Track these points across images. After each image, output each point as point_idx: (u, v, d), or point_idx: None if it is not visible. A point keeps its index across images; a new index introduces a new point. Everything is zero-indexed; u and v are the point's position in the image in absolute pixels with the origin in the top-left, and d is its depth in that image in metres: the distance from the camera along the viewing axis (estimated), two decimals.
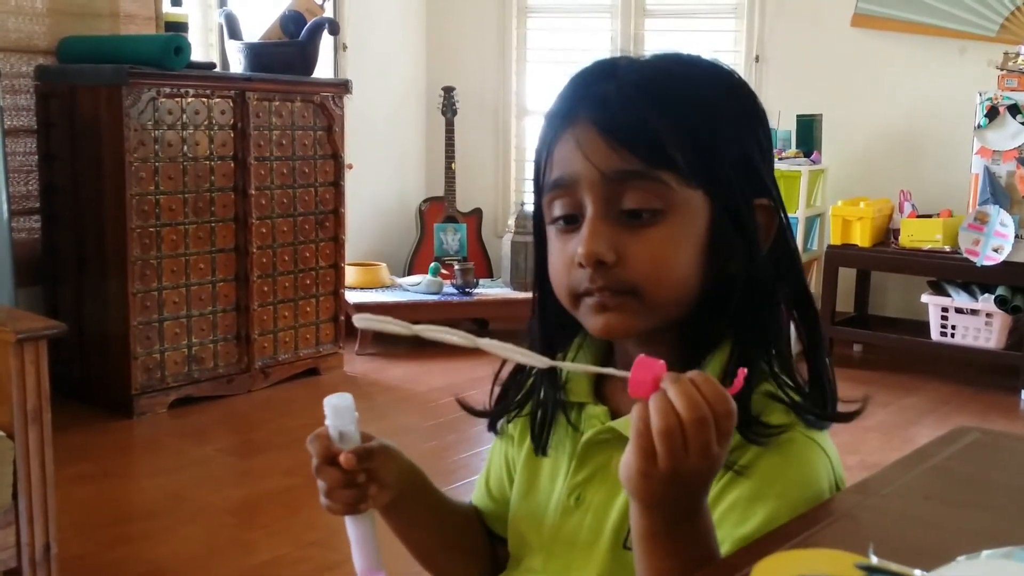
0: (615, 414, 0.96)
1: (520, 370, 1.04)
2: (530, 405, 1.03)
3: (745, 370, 0.80)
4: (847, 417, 0.94)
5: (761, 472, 0.87)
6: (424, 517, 1.07)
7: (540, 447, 1.02)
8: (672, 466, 0.75)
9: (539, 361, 0.85)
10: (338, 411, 0.94)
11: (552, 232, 0.94)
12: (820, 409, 0.92)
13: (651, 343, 0.91)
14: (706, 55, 0.97)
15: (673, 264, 0.89)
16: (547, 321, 1.00)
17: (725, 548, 0.85)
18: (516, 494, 1.05)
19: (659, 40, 5.21)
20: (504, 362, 1.02)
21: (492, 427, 1.07)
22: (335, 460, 0.94)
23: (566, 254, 0.91)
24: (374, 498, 0.96)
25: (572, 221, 0.91)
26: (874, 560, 0.66)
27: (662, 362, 0.77)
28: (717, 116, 0.90)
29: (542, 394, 1.01)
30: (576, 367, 0.93)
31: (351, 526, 0.97)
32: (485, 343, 0.83)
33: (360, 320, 0.88)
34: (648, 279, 0.89)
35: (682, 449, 0.74)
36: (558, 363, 0.89)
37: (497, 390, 1.06)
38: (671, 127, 0.88)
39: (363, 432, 0.97)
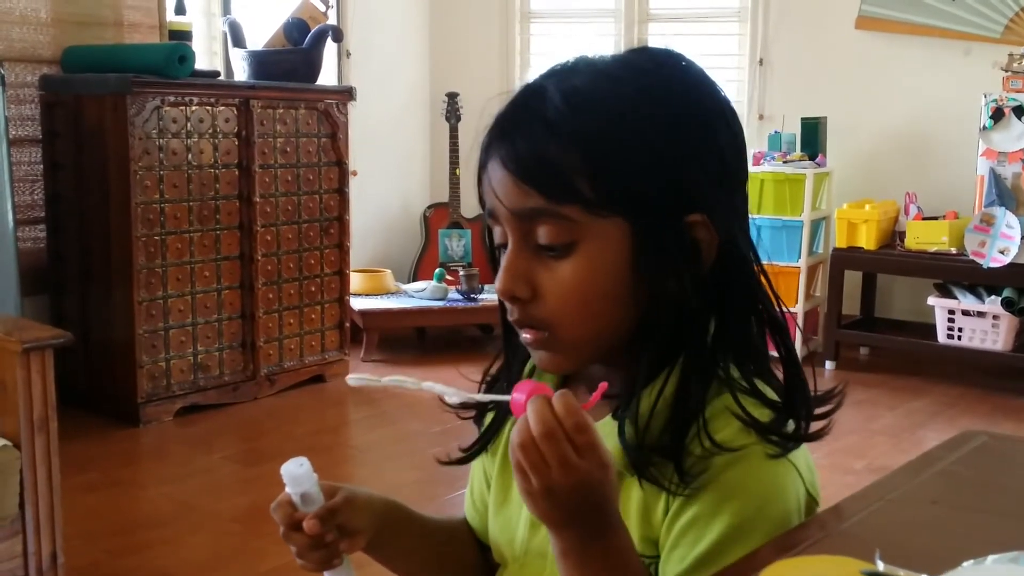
0: None
1: (504, 368, 1.04)
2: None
3: (605, 384, 0.82)
4: (812, 438, 0.90)
5: (720, 487, 0.85)
6: (406, 547, 1.07)
7: (482, 446, 1.05)
8: (541, 481, 0.78)
9: (454, 396, 0.89)
10: (295, 478, 0.95)
11: (500, 256, 0.94)
12: (786, 430, 0.88)
13: (608, 365, 0.93)
14: (675, 52, 0.93)
15: (585, 297, 0.88)
16: (509, 335, 0.99)
17: (684, 566, 0.85)
18: (491, 507, 1.06)
19: (663, 45, 5.20)
20: (496, 355, 1.04)
21: (478, 420, 1.06)
22: (301, 525, 0.95)
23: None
24: (347, 549, 0.98)
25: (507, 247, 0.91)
26: (881, 566, 0.65)
27: (540, 384, 0.81)
28: (635, 138, 0.86)
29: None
30: (486, 397, 0.93)
31: None
32: (427, 385, 0.89)
33: (353, 379, 0.92)
34: (559, 316, 0.88)
35: (541, 462, 0.78)
36: (470, 396, 0.91)
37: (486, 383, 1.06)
38: (575, 159, 0.85)
39: (330, 484, 0.99)
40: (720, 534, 0.84)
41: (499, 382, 1.04)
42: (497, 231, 0.92)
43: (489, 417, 1.06)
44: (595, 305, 0.88)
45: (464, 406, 1.04)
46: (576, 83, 0.89)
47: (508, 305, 0.91)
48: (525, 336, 0.91)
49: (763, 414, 0.88)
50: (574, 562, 0.82)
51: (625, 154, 0.86)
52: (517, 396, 0.81)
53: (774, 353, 0.94)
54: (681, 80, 0.91)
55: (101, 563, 2.66)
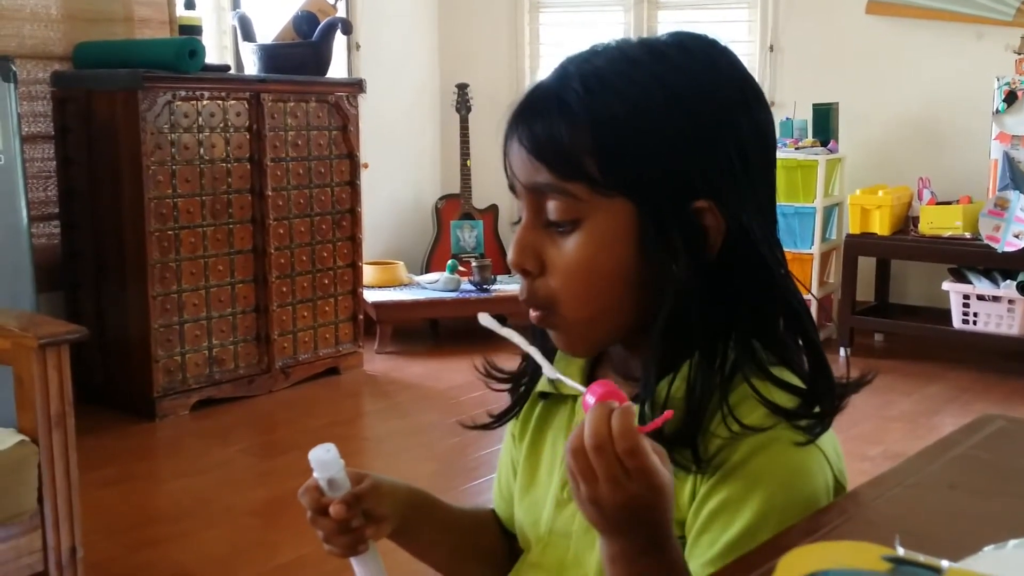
0: None
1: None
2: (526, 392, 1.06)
3: (670, 413, 0.81)
4: (828, 416, 0.91)
5: (749, 473, 0.86)
6: (432, 536, 1.09)
7: (504, 419, 1.06)
8: (589, 491, 0.78)
9: (547, 369, 0.90)
10: (323, 463, 0.97)
11: None
12: (811, 413, 0.88)
13: (630, 345, 0.95)
14: (710, 38, 0.93)
15: (589, 273, 0.89)
16: None
17: (714, 551, 0.85)
18: (517, 491, 1.07)
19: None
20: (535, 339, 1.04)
21: (514, 391, 1.07)
22: (327, 510, 0.96)
23: None
24: (373, 536, 0.99)
25: None
26: (901, 552, 0.65)
27: (615, 389, 0.80)
28: (646, 121, 0.87)
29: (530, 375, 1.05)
30: (568, 381, 0.90)
31: (356, 565, 1.01)
32: (532, 350, 0.92)
33: (484, 318, 0.95)
34: (562, 292, 0.90)
35: (590, 472, 0.78)
36: (560, 376, 0.90)
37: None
38: (584, 138, 0.87)
39: (356, 471, 1.00)
40: (749, 520, 0.85)
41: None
42: (518, 205, 0.95)
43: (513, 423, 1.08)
44: (597, 283, 0.90)
45: (499, 385, 1.05)
46: (597, 64, 0.91)
47: (520, 284, 0.93)
48: (532, 315, 0.93)
49: (788, 401, 0.88)
50: (621, 570, 0.82)
51: (633, 136, 0.88)
52: (589, 397, 0.80)
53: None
54: (705, 66, 0.91)
55: (119, 557, 2.68)
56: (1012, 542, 0.71)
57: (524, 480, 1.06)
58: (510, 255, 0.92)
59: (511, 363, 1.07)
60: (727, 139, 0.90)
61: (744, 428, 0.86)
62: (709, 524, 0.87)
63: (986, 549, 0.70)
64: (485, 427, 1.08)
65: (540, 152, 0.89)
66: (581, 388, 0.83)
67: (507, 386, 1.06)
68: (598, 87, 0.88)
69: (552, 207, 0.89)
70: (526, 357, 1.01)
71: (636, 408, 0.79)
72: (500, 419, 1.07)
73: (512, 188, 0.94)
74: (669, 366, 0.90)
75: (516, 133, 0.92)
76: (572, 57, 0.93)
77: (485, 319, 0.94)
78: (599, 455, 0.77)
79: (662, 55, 0.91)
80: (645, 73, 0.89)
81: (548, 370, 0.90)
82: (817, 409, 0.89)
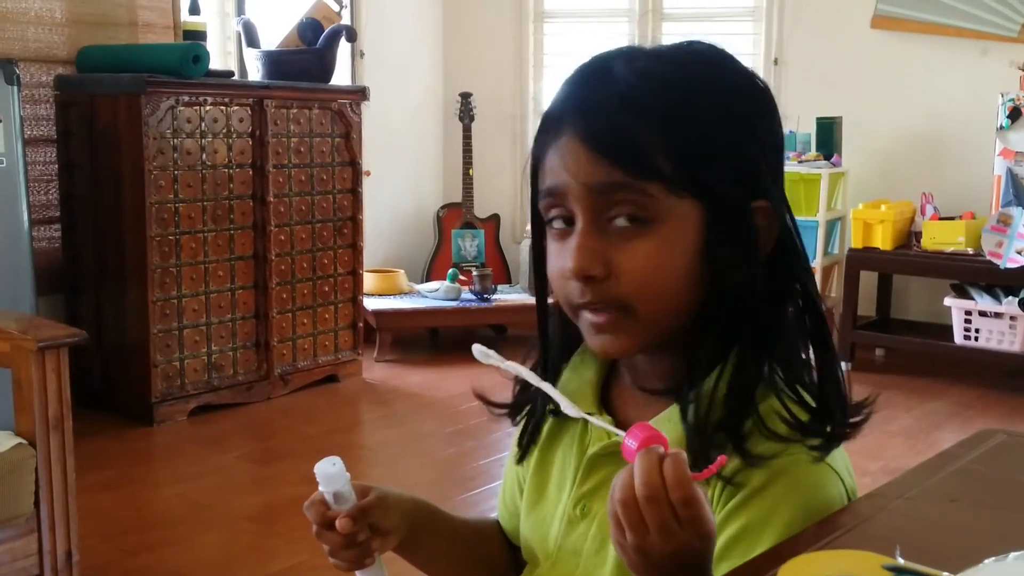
0: (622, 424, 0.95)
1: (541, 358, 1.03)
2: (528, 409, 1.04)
3: (723, 459, 0.78)
4: (846, 436, 0.90)
5: (769, 499, 0.85)
6: (436, 548, 1.08)
7: (522, 453, 1.04)
8: (637, 540, 0.75)
9: (568, 408, 0.87)
10: (328, 477, 0.95)
11: (550, 233, 0.92)
12: (825, 431, 0.88)
13: (655, 354, 0.93)
14: (718, 45, 0.94)
15: (663, 275, 0.87)
16: (546, 328, 1.00)
17: None
18: (525, 506, 1.05)
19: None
20: (527, 353, 1.02)
21: (513, 416, 1.05)
22: (333, 524, 0.95)
23: (561, 260, 0.90)
24: (379, 548, 0.98)
25: (570, 223, 0.90)
26: (901, 562, 0.65)
27: (657, 432, 0.77)
28: (708, 120, 0.87)
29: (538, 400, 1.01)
30: (598, 422, 0.88)
31: None
32: (545, 386, 0.90)
33: (478, 351, 0.92)
34: (638, 293, 0.87)
35: (640, 523, 0.75)
36: (586, 416, 0.87)
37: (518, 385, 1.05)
38: (656, 136, 0.85)
39: (361, 484, 0.99)
40: (769, 547, 0.84)
41: (535, 370, 1.01)
42: (556, 210, 0.90)
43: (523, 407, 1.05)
44: (673, 285, 0.88)
45: (500, 411, 1.04)
46: (642, 65, 0.89)
47: (578, 286, 0.89)
48: (595, 319, 0.90)
49: (804, 418, 0.88)
50: None
51: (708, 135, 0.87)
52: (630, 442, 0.77)
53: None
54: (736, 72, 0.92)
55: (115, 561, 2.67)
56: (1013, 554, 0.71)
57: (532, 495, 1.04)
58: (572, 261, 0.88)
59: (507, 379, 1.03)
60: (769, 139, 0.91)
61: (778, 437, 0.86)
62: (729, 552, 0.86)
63: (987, 561, 0.70)
64: (509, 414, 1.05)
65: (609, 150, 0.86)
66: (620, 432, 0.79)
67: (506, 410, 1.04)
68: (658, 84, 0.87)
69: (621, 207, 0.87)
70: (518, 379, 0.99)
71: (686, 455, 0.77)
72: (522, 442, 1.05)
73: (552, 192, 0.90)
74: (708, 364, 0.90)
75: (574, 130, 0.87)
76: (601, 58, 0.91)
77: (480, 352, 0.90)
78: (652, 505, 0.74)
79: (701, 56, 0.91)
80: (697, 74, 0.89)
81: (570, 409, 0.87)
82: (829, 429, 0.88)
